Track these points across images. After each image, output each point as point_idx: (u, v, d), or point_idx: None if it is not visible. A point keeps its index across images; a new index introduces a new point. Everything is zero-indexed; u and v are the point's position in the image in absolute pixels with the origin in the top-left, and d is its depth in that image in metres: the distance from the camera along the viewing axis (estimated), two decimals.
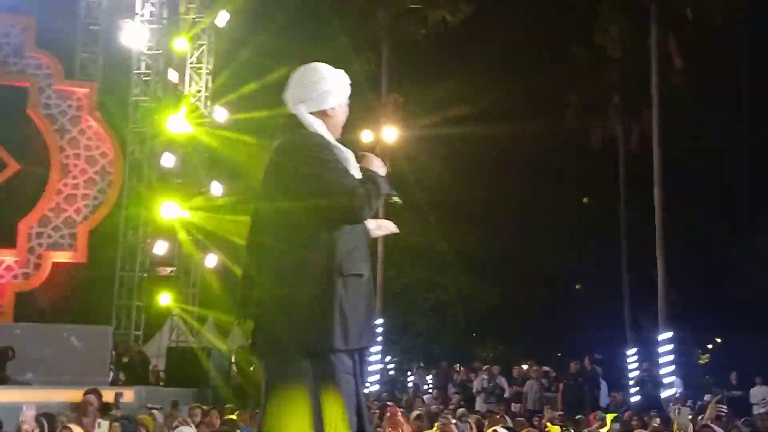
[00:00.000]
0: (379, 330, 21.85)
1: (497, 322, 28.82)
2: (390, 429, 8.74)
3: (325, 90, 3.38)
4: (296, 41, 21.61)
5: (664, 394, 20.03)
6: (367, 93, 23.37)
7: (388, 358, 23.94)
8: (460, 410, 14.33)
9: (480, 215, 27.28)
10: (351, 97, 3.48)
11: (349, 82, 3.48)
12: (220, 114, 20.24)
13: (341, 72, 3.47)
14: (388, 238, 23.37)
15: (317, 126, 3.32)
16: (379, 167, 3.34)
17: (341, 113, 3.45)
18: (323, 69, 3.43)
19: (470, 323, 29.97)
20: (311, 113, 3.35)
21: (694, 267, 31.57)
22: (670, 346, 21.15)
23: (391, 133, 23.29)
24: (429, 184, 26.14)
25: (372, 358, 21.80)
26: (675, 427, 8.26)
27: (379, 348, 21.84)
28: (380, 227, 3.59)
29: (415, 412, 13.74)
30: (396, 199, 3.43)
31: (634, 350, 23.12)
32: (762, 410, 17.98)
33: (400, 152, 24.40)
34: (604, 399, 19.42)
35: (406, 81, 25.03)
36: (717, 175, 29.58)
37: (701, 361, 33.10)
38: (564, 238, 27.84)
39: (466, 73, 24.80)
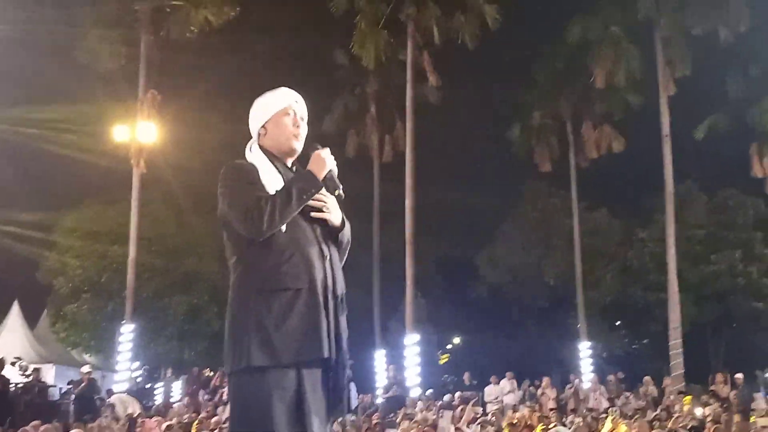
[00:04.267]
0: (131, 336, 21.04)
1: None
2: None
3: (252, 118, 3.49)
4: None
5: (411, 394, 20.99)
6: (125, 89, 22.46)
7: (136, 365, 22.93)
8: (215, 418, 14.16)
9: None
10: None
11: (284, 94, 3.49)
12: None
13: (272, 91, 3.51)
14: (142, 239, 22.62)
15: (251, 152, 3.41)
16: (320, 162, 3.35)
17: (274, 128, 3.45)
18: (255, 102, 3.50)
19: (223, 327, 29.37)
20: (257, 143, 3.45)
21: (442, 272, 33.48)
22: (417, 349, 22.14)
23: (148, 131, 22.37)
24: (191, 183, 25.47)
25: (119, 366, 20.95)
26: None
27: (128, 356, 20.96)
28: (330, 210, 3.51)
29: (166, 423, 13.39)
30: (339, 191, 3.41)
31: (382, 352, 23.99)
32: (494, 407, 19.32)
33: (161, 151, 23.65)
34: (353, 401, 19.95)
35: (169, 79, 24.17)
36: (466, 187, 31.57)
37: (441, 361, 35.06)
38: None
39: (231, 74, 24.47)
